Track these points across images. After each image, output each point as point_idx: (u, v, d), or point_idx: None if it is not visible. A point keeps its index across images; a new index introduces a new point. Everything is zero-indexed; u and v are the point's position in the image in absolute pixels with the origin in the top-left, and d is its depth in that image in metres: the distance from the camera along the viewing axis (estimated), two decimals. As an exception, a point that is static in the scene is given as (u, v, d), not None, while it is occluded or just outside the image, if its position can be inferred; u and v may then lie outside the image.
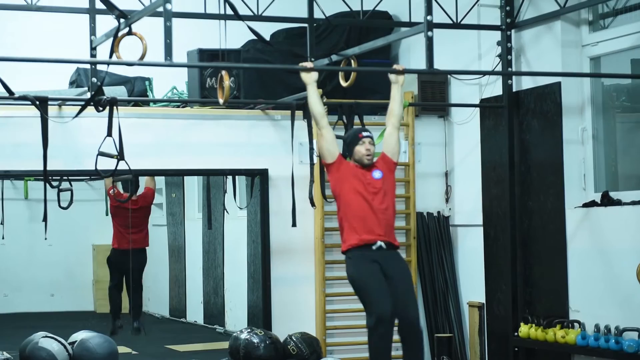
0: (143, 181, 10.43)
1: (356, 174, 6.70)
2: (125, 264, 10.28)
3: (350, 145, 6.81)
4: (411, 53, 9.65)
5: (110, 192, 10.23)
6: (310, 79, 6.78)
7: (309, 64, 6.90)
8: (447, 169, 9.32)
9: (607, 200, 7.50)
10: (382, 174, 6.73)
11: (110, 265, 10.59)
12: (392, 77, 7.00)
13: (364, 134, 6.79)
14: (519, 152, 8.24)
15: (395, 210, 6.79)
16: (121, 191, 10.30)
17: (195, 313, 13.27)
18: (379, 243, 6.59)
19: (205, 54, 8.32)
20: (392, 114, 6.93)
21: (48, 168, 7.06)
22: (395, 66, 7.15)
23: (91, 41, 7.71)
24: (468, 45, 8.82)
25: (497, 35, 8.33)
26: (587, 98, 7.87)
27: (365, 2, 8.42)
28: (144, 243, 10.54)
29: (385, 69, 9.61)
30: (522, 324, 8.01)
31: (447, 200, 9.28)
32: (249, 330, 8.28)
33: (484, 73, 8.46)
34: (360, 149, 6.73)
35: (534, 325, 7.87)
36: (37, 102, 7.00)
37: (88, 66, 8.25)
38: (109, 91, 8.17)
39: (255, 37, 7.05)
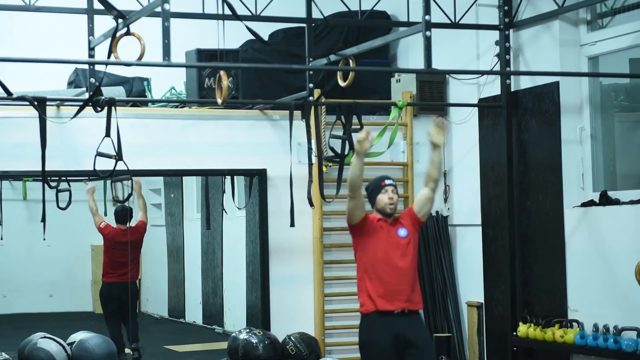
0: (136, 204, 10.54)
1: (380, 230, 6.36)
2: (119, 296, 10.29)
3: (372, 194, 6.45)
4: (409, 53, 9.66)
5: (101, 225, 10.28)
6: (362, 149, 6.21)
7: (364, 134, 6.23)
8: (446, 169, 9.31)
9: (605, 200, 7.50)
10: (408, 232, 6.41)
11: (104, 301, 10.51)
12: (433, 139, 6.44)
13: (387, 182, 6.43)
14: (517, 151, 8.24)
15: (417, 267, 6.44)
16: (112, 224, 10.31)
17: (194, 313, 13.27)
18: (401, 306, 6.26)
19: (204, 54, 8.32)
20: (431, 178, 6.46)
21: (46, 168, 7.04)
22: (437, 121, 6.45)
23: (89, 41, 7.70)
24: (466, 45, 8.82)
25: (495, 34, 8.33)
26: (585, 97, 7.87)
27: (364, 2, 8.42)
28: (136, 275, 10.58)
29: (384, 69, 9.71)
30: (520, 323, 8.01)
31: (445, 200, 9.28)
32: (247, 330, 8.28)
33: (483, 73, 8.46)
34: (383, 198, 6.38)
35: (532, 324, 7.87)
36: (36, 103, 6.99)
37: (86, 66, 8.25)
38: (107, 91, 8.16)
39: (253, 37, 7.05)
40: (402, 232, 6.40)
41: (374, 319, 6.27)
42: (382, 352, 6.23)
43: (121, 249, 10.40)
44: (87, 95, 7.74)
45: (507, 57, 8.25)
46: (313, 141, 7.98)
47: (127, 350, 10.22)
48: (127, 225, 10.29)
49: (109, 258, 10.38)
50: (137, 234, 10.51)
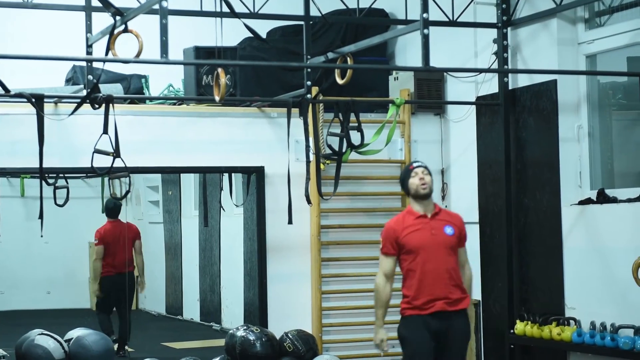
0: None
1: (421, 229, 6.27)
2: (118, 288, 10.38)
3: (404, 182, 6.40)
4: (407, 50, 9.66)
5: (96, 242, 10.57)
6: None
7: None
8: (443, 167, 9.31)
9: (602, 198, 7.50)
10: (454, 232, 6.30)
11: (106, 291, 10.57)
12: None
13: (415, 164, 6.40)
14: (515, 149, 8.24)
15: (458, 268, 6.34)
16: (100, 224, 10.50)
17: (191, 310, 13.30)
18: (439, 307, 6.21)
19: (202, 52, 8.31)
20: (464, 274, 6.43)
21: (44, 165, 7.03)
22: None
23: (87, 39, 7.70)
24: (464, 42, 8.82)
25: (493, 32, 8.33)
26: (583, 96, 7.88)
27: (362, -1, 8.43)
28: (131, 268, 10.73)
29: (382, 67, 9.71)
30: (518, 321, 8.01)
31: (443, 198, 9.27)
32: (245, 327, 8.28)
33: (480, 71, 8.46)
34: (414, 181, 6.30)
35: (530, 322, 7.88)
36: (33, 100, 6.99)
37: (84, 64, 8.24)
38: (105, 89, 8.16)
39: (251, 35, 7.05)
40: (449, 229, 6.32)
41: (411, 321, 6.26)
42: (420, 346, 6.22)
43: (115, 243, 10.47)
44: (84, 93, 7.73)
45: (505, 55, 8.25)
46: (311, 139, 7.98)
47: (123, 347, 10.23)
48: (118, 218, 10.47)
49: (106, 256, 10.46)
50: (132, 233, 10.62)
